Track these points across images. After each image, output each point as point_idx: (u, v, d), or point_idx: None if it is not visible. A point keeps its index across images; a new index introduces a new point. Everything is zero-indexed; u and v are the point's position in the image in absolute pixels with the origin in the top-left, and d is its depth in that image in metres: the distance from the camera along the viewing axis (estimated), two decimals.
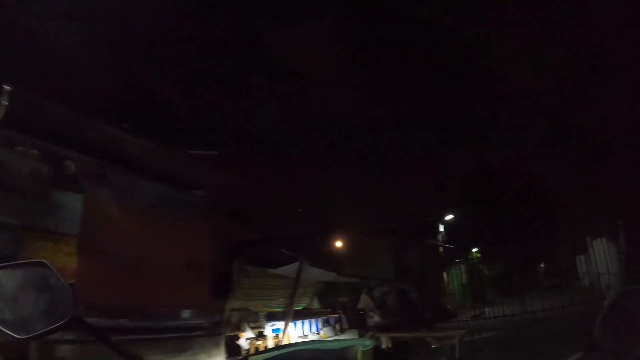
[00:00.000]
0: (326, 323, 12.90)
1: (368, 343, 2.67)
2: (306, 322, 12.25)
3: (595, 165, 19.89)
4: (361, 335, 11.88)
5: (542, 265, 23.97)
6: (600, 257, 18.76)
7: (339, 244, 24.76)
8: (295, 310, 13.63)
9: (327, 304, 16.70)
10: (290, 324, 11.39)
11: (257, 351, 9.31)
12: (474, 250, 28.65)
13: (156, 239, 9.17)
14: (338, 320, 13.81)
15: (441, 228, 30.19)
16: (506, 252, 20.16)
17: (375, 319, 14.63)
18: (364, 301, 15.25)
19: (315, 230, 23.59)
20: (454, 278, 23.85)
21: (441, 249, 28.49)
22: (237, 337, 12.74)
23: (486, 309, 20.21)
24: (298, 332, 11.72)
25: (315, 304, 15.84)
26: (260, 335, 12.20)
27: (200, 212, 10.49)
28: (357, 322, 15.08)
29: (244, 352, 12.10)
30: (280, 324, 11.47)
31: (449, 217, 30.58)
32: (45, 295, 1.72)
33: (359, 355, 2.49)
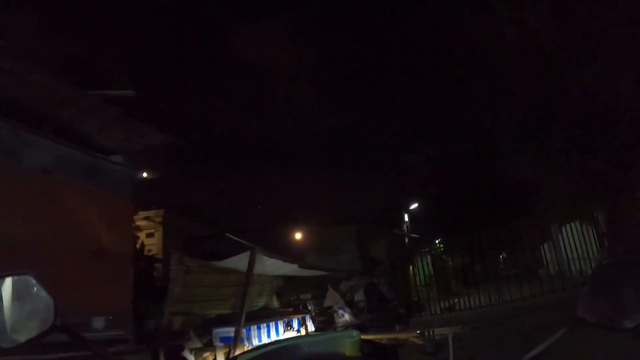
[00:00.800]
0: (288, 326, 10.51)
1: (355, 334, 2.71)
2: (263, 327, 9.80)
3: (564, 146, 18.44)
4: None
5: (503, 255, 23.15)
6: (571, 242, 17.81)
7: (299, 235, 22.94)
8: (252, 311, 11.33)
9: (288, 303, 14.41)
10: (243, 330, 8.97)
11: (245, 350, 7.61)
12: (437, 241, 27.50)
13: (52, 217, 6.70)
14: (302, 322, 11.48)
15: (406, 217, 29.10)
16: (468, 242, 18.64)
17: (345, 318, 12.42)
18: (332, 297, 13.02)
19: (274, 222, 21.87)
20: (421, 270, 22.39)
21: (407, 239, 27.30)
22: (182, 348, 10.49)
23: (456, 301, 19.12)
24: (254, 339, 9.33)
25: (275, 303, 13.53)
26: (210, 345, 9.81)
27: (118, 185, 7.94)
28: (325, 322, 12.82)
29: None
30: (231, 331, 9.04)
31: (413, 206, 29.54)
32: (28, 305, 1.75)
33: (347, 346, 2.55)
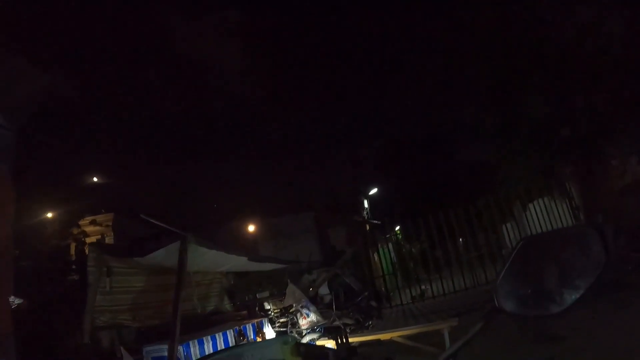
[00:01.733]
0: (241, 336, 8.35)
1: (290, 339, 2.22)
2: (207, 340, 7.60)
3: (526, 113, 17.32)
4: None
5: (461, 238, 21.95)
6: (540, 219, 16.69)
7: (252, 227, 20.90)
8: (198, 318, 9.23)
9: (243, 304, 12.30)
10: (180, 348, 6.81)
11: None
12: (397, 227, 25.93)
13: None
14: (259, 329, 9.38)
15: (365, 203, 27.38)
16: (426, 227, 17.40)
17: (311, 317, 10.42)
18: (292, 295, 10.97)
19: (228, 216, 19.88)
20: (384, 257, 20.70)
21: (368, 226, 25.51)
22: None
23: (425, 287, 17.80)
24: (194, 357, 7.15)
25: (227, 306, 11.42)
26: None
27: None
28: (286, 325, 10.78)
29: None
30: (164, 349, 6.88)
31: (372, 191, 27.91)
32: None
33: (285, 351, 2.51)
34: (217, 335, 7.72)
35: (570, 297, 1.35)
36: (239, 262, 9.02)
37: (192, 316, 8.50)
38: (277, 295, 13.06)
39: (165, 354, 6.84)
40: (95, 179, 17.35)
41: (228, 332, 8.09)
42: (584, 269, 1.35)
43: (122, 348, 8.37)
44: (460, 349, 1.64)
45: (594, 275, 1.32)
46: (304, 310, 10.52)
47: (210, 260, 8.01)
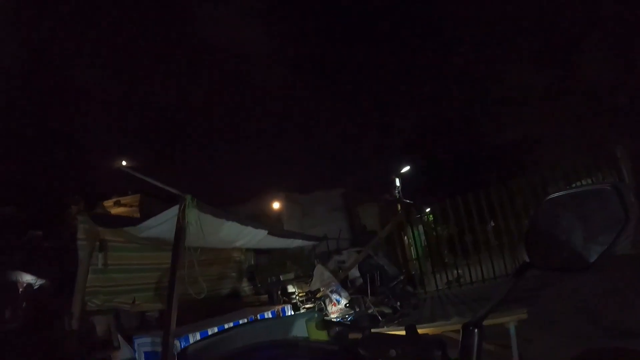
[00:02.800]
0: None
1: (316, 315, 2.57)
2: (213, 331, 6.17)
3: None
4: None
5: (492, 222, 20.48)
6: None
7: (277, 205, 19.51)
8: (207, 302, 7.83)
9: (265, 288, 10.92)
10: (177, 342, 5.40)
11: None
12: (428, 208, 24.49)
13: None
14: (281, 316, 7.99)
15: (397, 182, 25.87)
16: (458, 209, 16.27)
17: (342, 304, 8.98)
18: (321, 277, 9.54)
19: (253, 193, 18.61)
20: (415, 240, 19.22)
21: (399, 206, 24.00)
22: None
23: (460, 272, 16.32)
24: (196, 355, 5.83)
25: (246, 289, 10.07)
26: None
27: None
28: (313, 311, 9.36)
29: None
30: (158, 342, 5.51)
31: (404, 169, 26.40)
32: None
33: (309, 329, 2.44)
34: (226, 326, 6.31)
35: (595, 252, 1.35)
36: (256, 237, 7.61)
37: (199, 301, 7.13)
38: (303, 277, 11.71)
39: (159, 348, 5.49)
40: (123, 162, 16.44)
41: (242, 321, 6.68)
42: (605, 226, 1.35)
43: (119, 336, 7.14)
44: (494, 307, 1.57)
45: (616, 232, 1.32)
46: (334, 296, 9.10)
47: (221, 233, 6.58)
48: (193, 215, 5.29)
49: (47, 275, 10.55)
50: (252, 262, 10.93)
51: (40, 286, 10.48)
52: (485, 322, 4.24)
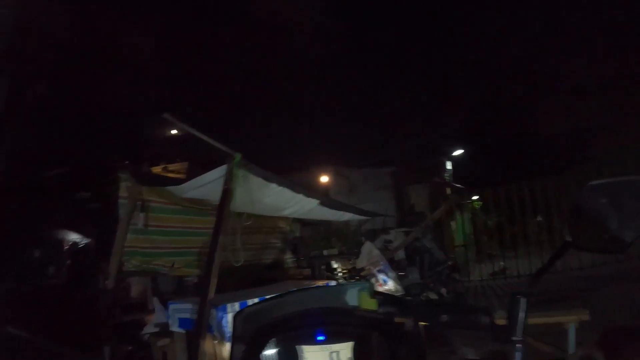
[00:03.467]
0: None
1: (367, 284, 2.36)
2: (253, 302, 5.80)
3: None
4: None
5: (539, 215, 19.66)
6: None
7: (325, 178, 19.11)
8: (248, 271, 7.48)
9: (308, 261, 10.54)
10: (213, 311, 5.03)
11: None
12: (475, 196, 23.75)
13: None
14: None
15: (448, 165, 25.11)
16: (508, 198, 16.17)
17: (389, 285, 8.52)
18: (369, 255, 9.04)
19: (301, 164, 18.26)
20: (461, 226, 18.66)
21: (449, 190, 23.30)
22: (142, 323, 6.83)
23: (503, 264, 15.81)
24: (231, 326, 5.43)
25: (289, 261, 9.71)
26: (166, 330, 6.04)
27: None
28: None
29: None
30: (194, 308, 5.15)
31: (456, 152, 25.58)
32: None
33: (360, 298, 2.30)
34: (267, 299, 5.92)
35: (629, 237, 1.49)
36: (306, 207, 7.19)
37: (238, 269, 6.78)
38: (347, 254, 11.29)
39: (195, 315, 5.14)
40: (173, 131, 16.32)
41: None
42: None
43: (156, 299, 6.86)
44: (539, 276, 1.72)
45: None
46: (381, 276, 8.61)
47: (270, 199, 6.17)
48: (242, 176, 4.87)
49: (91, 235, 10.51)
50: (297, 234, 10.57)
51: (85, 245, 10.47)
52: (544, 320, 4.09)
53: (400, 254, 12.23)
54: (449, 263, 12.35)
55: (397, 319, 2.51)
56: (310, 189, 7.79)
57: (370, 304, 2.29)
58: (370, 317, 2.14)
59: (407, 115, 19.73)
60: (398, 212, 17.41)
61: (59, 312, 7.54)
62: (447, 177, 23.77)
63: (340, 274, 10.04)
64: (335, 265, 10.57)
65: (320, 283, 7.86)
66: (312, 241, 11.88)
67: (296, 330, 2.18)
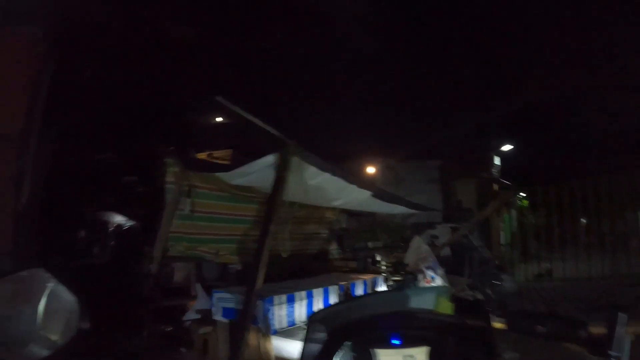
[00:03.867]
0: (348, 296, 6.28)
1: (445, 289, 2.07)
2: (300, 298, 5.54)
3: None
4: None
5: (584, 218, 18.97)
6: None
7: (372, 169, 18.81)
8: (292, 260, 7.29)
9: (353, 254, 10.33)
10: (260, 303, 4.86)
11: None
12: (522, 193, 23.05)
13: None
14: (373, 288, 7.37)
15: (496, 160, 24.47)
16: (553, 197, 15.04)
17: (436, 283, 8.25)
18: (417, 250, 8.78)
19: (346, 153, 18.03)
20: (506, 225, 18.06)
21: (496, 186, 22.73)
22: (184, 308, 6.83)
23: (548, 266, 14.92)
24: (278, 318, 5.10)
25: (335, 252, 9.52)
26: (210, 317, 5.91)
27: None
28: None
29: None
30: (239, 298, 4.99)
31: (505, 147, 24.91)
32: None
33: (438, 304, 2.38)
34: (315, 292, 5.70)
35: None
36: (358, 198, 6.98)
37: (283, 259, 6.62)
38: (392, 247, 11.02)
39: (240, 306, 4.99)
40: (218, 118, 16.23)
41: (331, 288, 6.08)
42: None
43: (198, 285, 6.77)
44: None
45: None
46: (429, 272, 8.34)
47: (322, 189, 5.97)
48: (296, 164, 4.68)
49: (136, 218, 10.54)
50: (343, 225, 10.38)
51: (129, 228, 10.52)
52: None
53: (446, 251, 11.94)
54: (496, 263, 11.95)
55: (472, 324, 2.45)
56: (363, 180, 7.58)
57: (447, 308, 2.32)
58: (446, 322, 2.12)
59: (457, 108, 19.24)
60: (444, 207, 17.00)
61: (101, 292, 7.47)
62: (495, 173, 23.23)
63: (384, 268, 9.83)
64: (379, 258, 10.36)
65: (367, 277, 7.67)
66: (357, 233, 11.66)
67: (371, 333, 2.20)
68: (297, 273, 7.17)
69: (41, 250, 6.02)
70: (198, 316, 6.40)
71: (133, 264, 7.80)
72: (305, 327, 3.47)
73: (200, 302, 6.53)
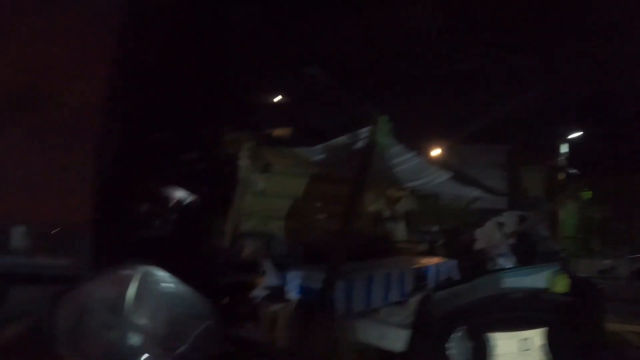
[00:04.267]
0: (421, 280, 6.01)
1: (559, 269, 2.35)
2: (378, 279, 5.33)
3: None
4: None
5: None
6: None
7: (435, 151, 18.39)
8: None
9: (418, 236, 10.13)
10: (341, 284, 4.72)
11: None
12: (588, 184, 22.29)
13: None
14: (448, 273, 7.14)
15: (564, 148, 23.63)
16: (624, 190, 15.47)
17: None
18: (490, 235, 8.58)
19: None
20: (570, 216, 17.49)
21: (563, 175, 22.04)
22: (253, 285, 6.65)
23: (611, 263, 14.28)
24: (356, 299, 4.93)
25: (402, 234, 9.32)
26: (280, 294, 5.84)
27: None
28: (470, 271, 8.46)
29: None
30: (319, 279, 4.86)
31: (574, 134, 24.03)
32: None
33: (553, 282, 2.48)
34: (392, 274, 5.54)
35: None
36: (435, 180, 6.78)
37: (354, 239, 6.50)
38: (458, 232, 10.77)
39: (318, 285, 4.87)
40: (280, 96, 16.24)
41: (408, 271, 5.90)
42: None
43: (268, 261, 6.69)
44: None
45: None
46: (500, 260, 8.10)
47: (402, 168, 5.79)
48: (385, 141, 4.49)
49: (198, 193, 10.59)
50: (412, 207, 10.18)
51: (191, 202, 10.63)
52: None
53: (511, 239, 11.62)
54: (562, 255, 11.54)
55: (589, 304, 2.39)
56: (443, 161, 7.38)
57: (563, 288, 2.35)
58: (563, 302, 2.16)
59: (526, 91, 18.58)
60: (510, 193, 16.53)
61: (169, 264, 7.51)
62: (562, 162, 22.53)
63: (451, 252, 9.63)
64: (446, 242, 10.16)
65: (438, 261, 7.47)
66: (422, 215, 11.44)
67: (485, 317, 2.21)
68: (366, 254, 7.02)
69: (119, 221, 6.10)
70: (266, 293, 6.34)
71: (205, 239, 7.84)
72: (402, 312, 3.35)
73: (269, 279, 6.47)
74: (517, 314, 2.25)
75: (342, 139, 4.91)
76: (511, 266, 8.09)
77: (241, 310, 6.83)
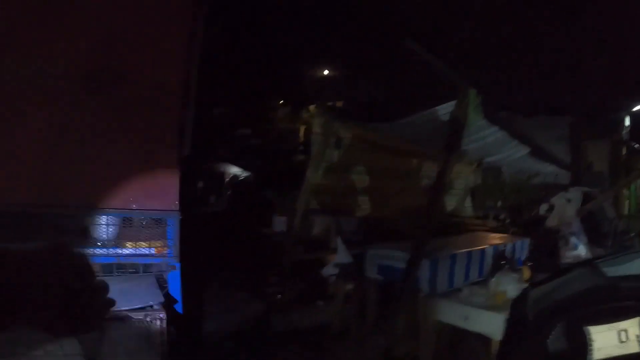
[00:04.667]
0: (502, 259, 5.77)
1: None
2: (461, 257, 5.14)
3: None
4: None
5: None
6: None
7: (516, 125, 17.86)
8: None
9: (487, 213, 9.88)
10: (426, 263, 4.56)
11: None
12: None
13: None
14: (516, 254, 6.85)
15: (627, 121, 22.62)
16: None
17: (579, 251, 7.67)
18: (562, 213, 8.28)
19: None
20: (632, 195, 16.72)
21: (626, 149, 21.10)
22: (323, 262, 6.74)
23: None
24: (441, 280, 4.78)
25: (468, 210, 9.11)
26: (353, 274, 5.74)
27: None
28: (540, 251, 8.17)
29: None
30: (401, 258, 4.71)
31: (637, 107, 22.98)
32: None
33: None
34: (473, 253, 5.37)
35: None
36: (514, 155, 6.54)
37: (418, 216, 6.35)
38: (524, 208, 10.44)
39: (400, 265, 4.75)
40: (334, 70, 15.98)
41: (486, 250, 5.72)
42: None
43: (339, 239, 6.61)
44: None
45: None
46: (572, 239, 7.77)
47: (485, 142, 5.60)
48: (474, 115, 4.31)
49: (252, 169, 10.63)
50: (479, 182, 9.93)
51: (245, 178, 10.69)
52: None
53: (588, 216, 11.19)
54: (632, 235, 11.05)
55: None
56: (523, 135, 7.11)
57: None
58: None
59: (592, 61, 17.77)
60: (574, 169, 15.95)
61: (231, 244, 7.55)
62: (624, 135, 21.59)
63: (517, 229, 9.33)
64: (511, 219, 9.88)
65: (512, 240, 7.24)
66: (488, 190, 11.15)
67: (583, 310, 2.08)
68: (445, 232, 6.85)
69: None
70: (336, 270, 6.28)
71: (261, 216, 7.83)
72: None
73: (340, 256, 6.40)
74: (618, 304, 2.15)
75: (426, 114, 4.74)
76: (581, 246, 7.80)
77: (312, 287, 6.82)
